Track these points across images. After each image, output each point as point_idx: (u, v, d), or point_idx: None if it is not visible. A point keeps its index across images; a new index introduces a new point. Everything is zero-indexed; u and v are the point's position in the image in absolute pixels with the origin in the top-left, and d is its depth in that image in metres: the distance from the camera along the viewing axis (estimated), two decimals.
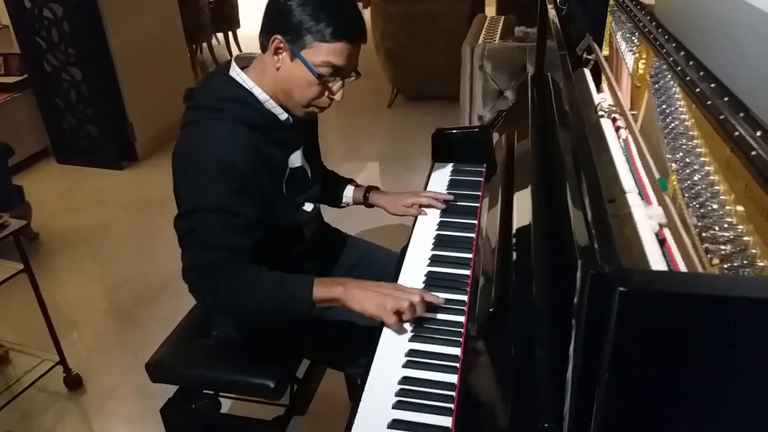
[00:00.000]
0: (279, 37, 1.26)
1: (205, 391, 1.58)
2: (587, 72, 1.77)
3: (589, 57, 1.84)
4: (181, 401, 1.56)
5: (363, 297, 1.23)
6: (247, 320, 1.47)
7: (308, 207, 1.49)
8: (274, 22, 1.28)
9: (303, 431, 1.99)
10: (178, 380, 1.55)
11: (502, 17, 4.03)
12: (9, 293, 2.10)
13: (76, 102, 3.94)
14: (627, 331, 0.51)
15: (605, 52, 1.86)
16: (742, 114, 0.71)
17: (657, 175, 1.03)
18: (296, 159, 1.44)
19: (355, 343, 1.39)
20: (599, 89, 1.66)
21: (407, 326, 1.24)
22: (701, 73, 0.86)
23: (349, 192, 1.73)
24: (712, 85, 0.81)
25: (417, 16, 4.58)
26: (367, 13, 4.99)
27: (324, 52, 1.26)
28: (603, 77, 1.69)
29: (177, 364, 1.54)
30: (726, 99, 0.76)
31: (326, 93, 1.34)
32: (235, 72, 1.35)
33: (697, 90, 0.87)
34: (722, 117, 0.76)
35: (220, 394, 1.61)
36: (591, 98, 1.58)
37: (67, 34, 3.74)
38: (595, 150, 1.31)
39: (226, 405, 1.92)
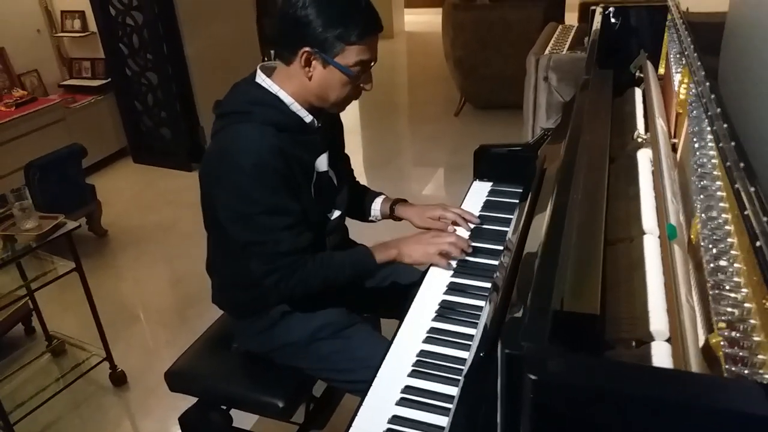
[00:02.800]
0: (308, 49, 1.27)
1: (222, 405, 1.58)
2: (638, 92, 1.65)
3: (642, 76, 1.71)
4: (198, 412, 1.57)
5: (411, 251, 1.44)
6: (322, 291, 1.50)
7: (335, 214, 1.51)
8: (298, 35, 1.28)
9: None
10: (194, 391, 1.57)
11: (575, 26, 3.85)
12: (73, 287, 2.21)
13: (153, 105, 4.13)
14: (541, 415, 0.45)
15: (661, 70, 1.72)
16: (743, 164, 0.61)
17: (673, 219, 0.93)
18: (322, 163, 1.45)
19: (362, 371, 1.36)
20: (649, 111, 1.53)
21: (406, 365, 1.19)
22: (718, 110, 0.76)
23: (377, 205, 1.69)
24: (725, 126, 0.71)
25: (489, 24, 4.47)
26: (439, 21, 4.92)
27: (355, 53, 1.29)
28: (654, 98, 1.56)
29: (194, 375, 1.56)
30: (733, 144, 0.66)
31: (359, 85, 1.37)
32: (261, 78, 1.37)
33: (714, 128, 0.77)
34: (728, 164, 0.66)
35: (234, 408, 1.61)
36: (635, 122, 1.46)
37: (146, 40, 3.93)
38: (625, 181, 1.21)
39: (250, 419, 1.94)
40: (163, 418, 2.17)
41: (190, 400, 1.60)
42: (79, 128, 3.90)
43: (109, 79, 4.17)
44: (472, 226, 1.63)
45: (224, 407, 1.58)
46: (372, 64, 1.34)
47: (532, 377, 0.43)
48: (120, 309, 2.79)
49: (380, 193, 1.73)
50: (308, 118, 1.39)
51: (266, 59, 5.55)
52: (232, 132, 1.33)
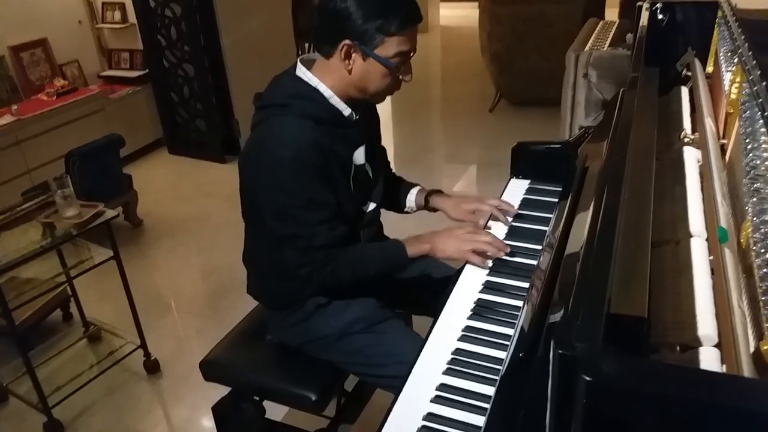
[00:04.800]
0: (348, 42, 1.28)
1: (255, 396, 1.60)
2: (684, 90, 1.60)
3: (689, 74, 1.66)
4: (231, 402, 1.59)
5: (444, 246, 1.43)
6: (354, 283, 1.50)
7: (370, 206, 1.52)
8: (338, 28, 1.29)
9: None
10: (228, 381, 1.59)
11: (617, 22, 3.78)
12: (109, 275, 2.25)
13: (189, 97, 4.18)
14: (593, 417, 0.44)
15: (709, 68, 1.67)
16: None
17: (723, 222, 0.90)
18: (360, 156, 1.46)
19: (394, 367, 1.36)
20: (695, 110, 1.49)
21: (441, 363, 1.18)
22: None
23: (412, 196, 1.69)
24: None
25: (527, 19, 4.41)
26: (475, 15, 4.88)
27: (395, 45, 1.29)
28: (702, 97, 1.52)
29: (228, 365, 1.57)
30: None
31: (399, 77, 1.37)
32: (302, 71, 1.38)
33: None
34: None
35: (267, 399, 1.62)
36: (681, 121, 1.42)
37: (183, 32, 3.97)
38: (671, 182, 1.18)
39: (280, 410, 1.95)
40: (195, 407, 2.20)
41: (221, 390, 1.62)
42: (117, 118, 3.98)
43: (147, 71, 4.24)
44: (510, 219, 1.61)
45: (257, 398, 1.59)
46: (411, 54, 1.34)
47: (587, 378, 0.42)
48: (154, 298, 2.83)
49: (416, 184, 1.72)
50: (347, 111, 1.39)
51: (300, 52, 5.59)
52: (272, 125, 1.34)
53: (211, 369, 1.58)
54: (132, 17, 4.17)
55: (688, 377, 0.49)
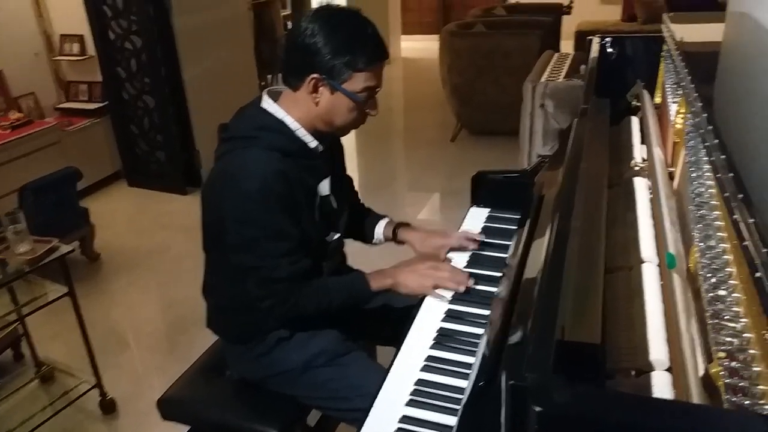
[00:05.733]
0: (316, 76, 1.30)
1: None
2: (635, 120, 1.66)
3: (639, 104, 1.72)
4: None
5: (407, 281, 1.44)
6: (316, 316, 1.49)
7: (333, 237, 1.52)
8: (306, 63, 1.30)
9: None
10: (187, 420, 1.54)
11: (571, 54, 3.91)
12: (64, 312, 2.18)
13: (149, 129, 4.14)
14: None
15: (657, 99, 1.74)
16: (741, 195, 0.61)
17: (672, 247, 0.92)
18: (325, 187, 1.46)
19: (358, 400, 1.34)
20: (646, 139, 1.54)
21: (404, 394, 1.17)
22: (716, 141, 0.76)
23: (380, 228, 1.69)
24: (723, 157, 0.71)
25: (486, 51, 4.52)
26: (436, 47, 4.98)
27: (363, 80, 1.31)
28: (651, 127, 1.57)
29: (187, 402, 1.53)
30: (731, 175, 0.66)
31: (365, 111, 1.39)
32: (267, 103, 1.39)
33: (712, 159, 0.77)
34: (726, 195, 0.66)
35: None
36: (631, 150, 1.47)
37: (144, 64, 3.95)
38: (623, 209, 1.21)
39: None
40: None
41: (181, 429, 1.57)
42: (74, 151, 3.89)
43: (106, 102, 4.18)
44: (472, 246, 1.62)
45: None
46: (377, 90, 1.36)
47: (537, 409, 0.42)
48: (111, 334, 2.75)
49: (384, 216, 1.73)
50: (313, 143, 1.40)
51: (264, 83, 5.61)
52: (237, 156, 1.33)
53: (169, 407, 1.53)
54: (91, 49, 4.13)
55: (636, 405, 0.49)
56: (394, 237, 1.69)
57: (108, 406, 2.27)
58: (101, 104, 4.19)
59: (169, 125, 4.05)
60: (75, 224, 3.14)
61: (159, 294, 3.10)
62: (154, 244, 3.53)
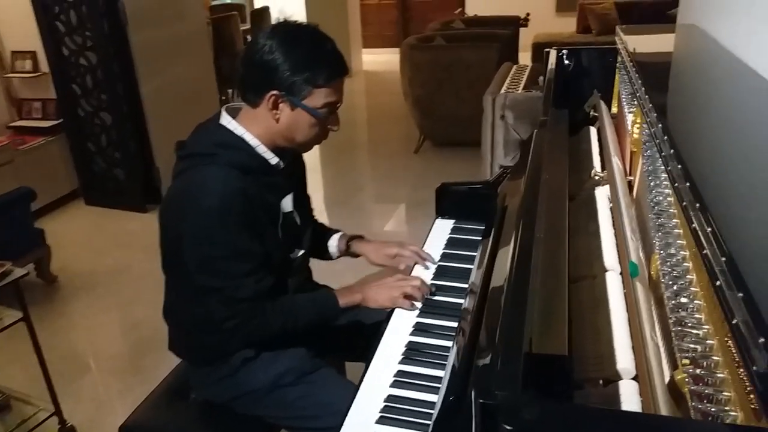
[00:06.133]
0: (276, 92, 1.28)
1: None
2: (593, 130, 1.69)
3: (597, 114, 1.76)
4: None
5: (376, 296, 1.44)
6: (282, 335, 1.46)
7: (298, 253, 1.51)
8: (265, 79, 1.29)
9: None
10: None
11: (529, 66, 3.98)
12: (20, 338, 2.09)
13: (106, 146, 4.04)
14: None
15: (614, 109, 1.78)
16: (698, 204, 0.62)
17: (633, 256, 0.94)
18: (288, 204, 1.45)
19: (328, 418, 1.32)
20: (604, 150, 1.57)
21: (374, 411, 1.16)
22: (672, 151, 0.78)
23: (334, 241, 1.68)
24: (679, 166, 0.73)
25: (446, 64, 4.57)
26: (396, 60, 5.01)
27: (323, 96, 1.30)
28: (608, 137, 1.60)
29: (150, 428, 1.48)
30: (688, 184, 0.68)
31: (327, 126, 1.38)
32: (226, 120, 1.37)
33: (669, 169, 0.79)
34: (684, 204, 0.68)
35: None
36: (591, 160, 1.49)
37: (100, 80, 3.86)
38: (584, 218, 1.23)
39: None
40: None
41: None
42: (28, 170, 3.78)
43: (61, 120, 4.07)
44: (429, 265, 1.63)
45: None
46: (338, 105, 1.35)
47: (508, 428, 0.42)
48: (70, 359, 2.66)
49: (337, 230, 1.72)
50: (274, 160, 1.38)
51: (224, 98, 5.55)
52: (196, 174, 1.31)
53: None
54: (44, 66, 4.02)
55: (604, 418, 0.50)
56: (347, 250, 1.69)
57: None
58: (56, 122, 4.08)
59: (128, 142, 3.96)
60: (30, 246, 3.04)
61: (120, 316, 3.02)
62: (113, 263, 3.44)
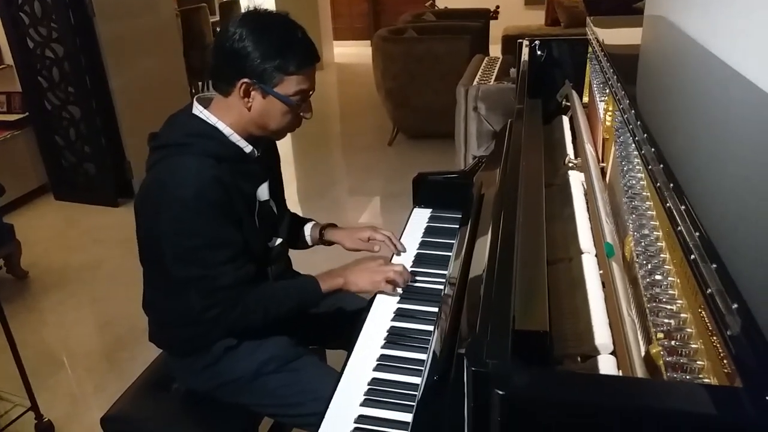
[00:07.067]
0: (247, 80, 1.29)
1: None
2: (565, 119, 1.73)
3: (569, 104, 1.80)
4: None
5: (357, 279, 1.45)
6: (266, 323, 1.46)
7: (276, 242, 1.52)
8: (236, 68, 1.29)
9: None
10: None
11: (500, 58, 4.03)
12: None
13: (75, 140, 3.97)
14: (509, 429, 0.47)
15: (585, 98, 1.82)
16: (672, 185, 0.66)
17: (609, 237, 0.98)
18: (264, 192, 1.46)
19: (311, 404, 1.34)
20: (577, 138, 1.61)
21: (358, 394, 1.19)
22: (645, 135, 0.82)
23: (307, 230, 1.70)
24: (653, 150, 0.77)
25: (418, 56, 4.59)
26: (368, 52, 5.02)
27: (295, 83, 1.31)
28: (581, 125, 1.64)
29: (133, 419, 1.48)
30: (661, 166, 0.71)
31: (299, 114, 1.38)
32: (198, 110, 1.37)
33: (642, 152, 0.83)
34: (658, 185, 0.71)
35: None
36: (565, 148, 1.53)
37: (67, 73, 3.79)
38: (560, 204, 1.27)
39: None
40: None
41: None
42: None
43: (27, 114, 3.99)
44: (402, 251, 1.66)
45: None
46: (310, 93, 1.36)
47: (500, 392, 0.45)
48: (44, 355, 2.62)
49: (310, 219, 1.74)
50: (248, 148, 1.39)
51: (194, 91, 5.49)
52: (170, 164, 1.31)
53: (114, 425, 1.48)
54: (8, 58, 3.93)
55: (590, 383, 0.53)
56: (321, 238, 1.71)
57: (46, 429, 2.16)
58: (22, 115, 3.99)
59: (98, 136, 3.90)
60: None
61: (94, 311, 2.98)
62: (85, 259, 3.39)
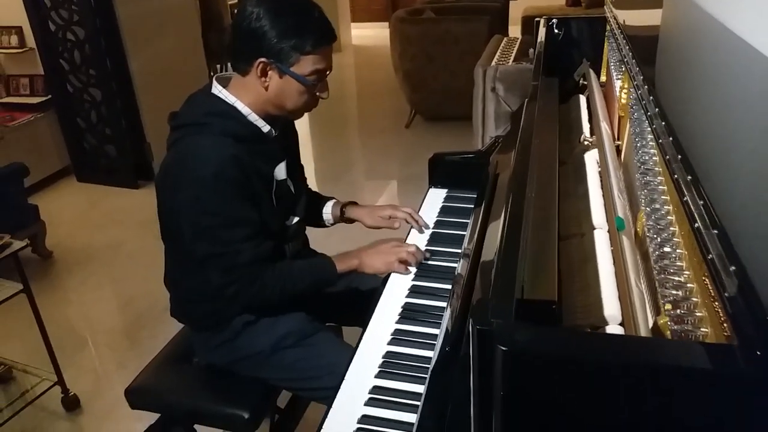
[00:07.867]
0: (264, 60, 1.30)
1: (185, 421, 1.56)
2: (582, 98, 1.73)
3: (586, 83, 1.79)
4: (161, 429, 1.54)
5: (372, 261, 1.48)
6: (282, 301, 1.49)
7: (293, 221, 1.54)
8: (253, 47, 1.31)
9: None
10: (156, 407, 1.55)
11: (519, 38, 3.99)
12: (18, 311, 2.13)
13: (96, 122, 4.03)
14: (513, 387, 0.49)
15: (603, 77, 1.81)
16: (680, 156, 0.67)
17: (620, 212, 0.98)
18: (281, 172, 1.48)
19: (327, 378, 1.37)
20: (593, 116, 1.60)
21: (373, 366, 1.21)
22: (656, 110, 0.82)
23: (328, 208, 1.72)
24: (663, 123, 0.77)
25: (436, 38, 4.57)
26: (386, 34, 5.00)
27: (311, 63, 1.32)
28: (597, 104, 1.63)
29: (156, 390, 1.53)
30: (671, 139, 0.72)
31: (316, 94, 1.39)
32: (217, 89, 1.39)
33: (653, 127, 0.83)
34: (667, 157, 0.72)
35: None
36: (581, 126, 1.53)
37: (88, 55, 3.84)
38: (574, 181, 1.27)
39: None
40: None
41: (146, 422, 1.57)
42: (18, 147, 3.77)
43: (50, 96, 4.05)
44: (424, 228, 1.67)
45: (188, 423, 1.56)
46: (327, 72, 1.37)
47: (503, 348, 0.47)
48: (68, 333, 2.70)
49: (330, 198, 1.75)
50: (266, 128, 1.41)
51: (212, 72, 5.52)
52: (190, 143, 1.33)
53: (137, 396, 1.53)
54: (31, 41, 3.98)
55: (592, 340, 0.54)
56: (342, 216, 1.73)
57: (72, 403, 2.24)
58: (44, 98, 4.06)
59: (118, 118, 3.95)
60: (24, 222, 3.05)
61: (116, 290, 3.05)
62: (107, 239, 3.46)
